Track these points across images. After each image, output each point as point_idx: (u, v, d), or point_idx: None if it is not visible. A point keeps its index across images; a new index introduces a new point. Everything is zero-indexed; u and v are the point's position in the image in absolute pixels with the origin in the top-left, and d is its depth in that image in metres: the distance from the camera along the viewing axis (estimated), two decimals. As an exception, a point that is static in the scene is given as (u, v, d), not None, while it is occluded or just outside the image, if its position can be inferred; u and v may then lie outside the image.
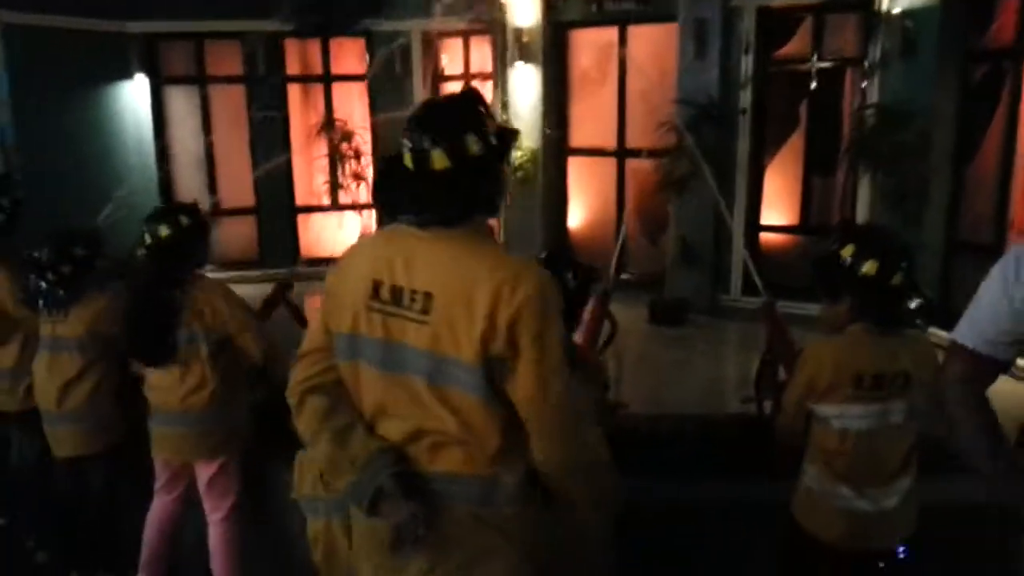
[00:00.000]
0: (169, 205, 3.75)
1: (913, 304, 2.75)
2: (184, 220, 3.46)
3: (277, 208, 9.73)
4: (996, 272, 1.97)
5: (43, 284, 3.74)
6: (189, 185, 9.61)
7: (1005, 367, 1.97)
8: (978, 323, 1.97)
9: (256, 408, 4.18)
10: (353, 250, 2.10)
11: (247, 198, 9.65)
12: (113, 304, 3.77)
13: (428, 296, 1.89)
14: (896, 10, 6.84)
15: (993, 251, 6.51)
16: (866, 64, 7.16)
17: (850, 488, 2.70)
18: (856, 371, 2.68)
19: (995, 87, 6.52)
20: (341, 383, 2.09)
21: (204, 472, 3.61)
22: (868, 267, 2.66)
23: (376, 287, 1.95)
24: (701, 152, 6.40)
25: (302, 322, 4.85)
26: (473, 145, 1.88)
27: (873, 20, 7.03)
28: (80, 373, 3.74)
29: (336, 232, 10.34)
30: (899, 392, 2.69)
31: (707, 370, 6.58)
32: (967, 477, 3.35)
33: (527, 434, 1.94)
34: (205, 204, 9.50)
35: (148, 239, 3.41)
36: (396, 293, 1.93)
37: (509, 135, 2.00)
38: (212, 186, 9.67)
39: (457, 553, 1.98)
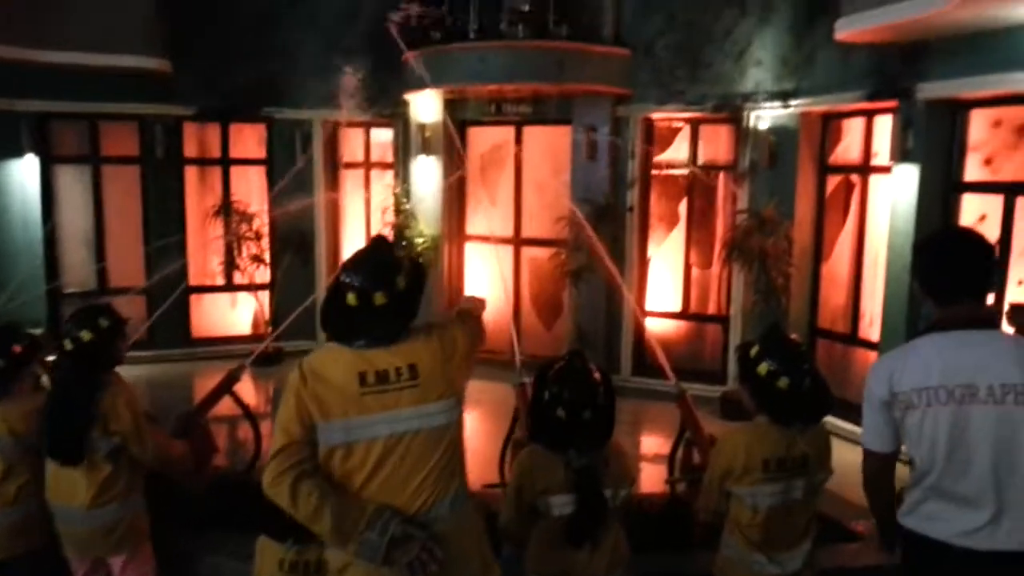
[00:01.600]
0: (88, 307, 3.71)
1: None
2: (104, 323, 3.57)
3: (169, 288, 9.56)
4: (868, 389, 2.73)
5: None
6: (76, 265, 9.37)
7: (899, 451, 2.70)
8: (869, 429, 2.76)
9: (191, 498, 4.26)
10: (322, 361, 2.59)
11: (138, 278, 9.47)
12: (36, 404, 3.77)
13: (412, 367, 2.56)
14: (762, 126, 7.81)
15: (847, 340, 7.42)
16: (736, 171, 8.07)
17: (762, 555, 3.16)
18: (763, 457, 3.16)
19: (846, 197, 7.52)
20: (319, 468, 2.54)
21: (116, 565, 3.70)
22: (761, 368, 3.17)
23: (362, 377, 2.53)
24: (594, 245, 7.01)
25: (246, 411, 4.98)
26: (401, 282, 2.59)
27: (742, 133, 7.98)
28: (5, 474, 3.70)
29: (229, 312, 10.29)
30: (799, 472, 3.19)
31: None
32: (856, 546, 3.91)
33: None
34: (92, 283, 9.40)
35: (69, 344, 3.51)
36: (381, 375, 2.54)
37: (421, 270, 2.74)
38: (102, 267, 9.46)
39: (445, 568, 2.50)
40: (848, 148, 7.50)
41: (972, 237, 2.73)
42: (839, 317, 7.57)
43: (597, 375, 3.19)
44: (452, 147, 9.21)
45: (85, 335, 3.50)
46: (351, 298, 2.54)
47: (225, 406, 5.12)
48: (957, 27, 5.68)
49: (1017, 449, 2.49)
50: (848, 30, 6.16)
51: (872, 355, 6.98)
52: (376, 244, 2.73)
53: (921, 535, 2.63)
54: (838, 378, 7.41)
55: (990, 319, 2.62)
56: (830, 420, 6.53)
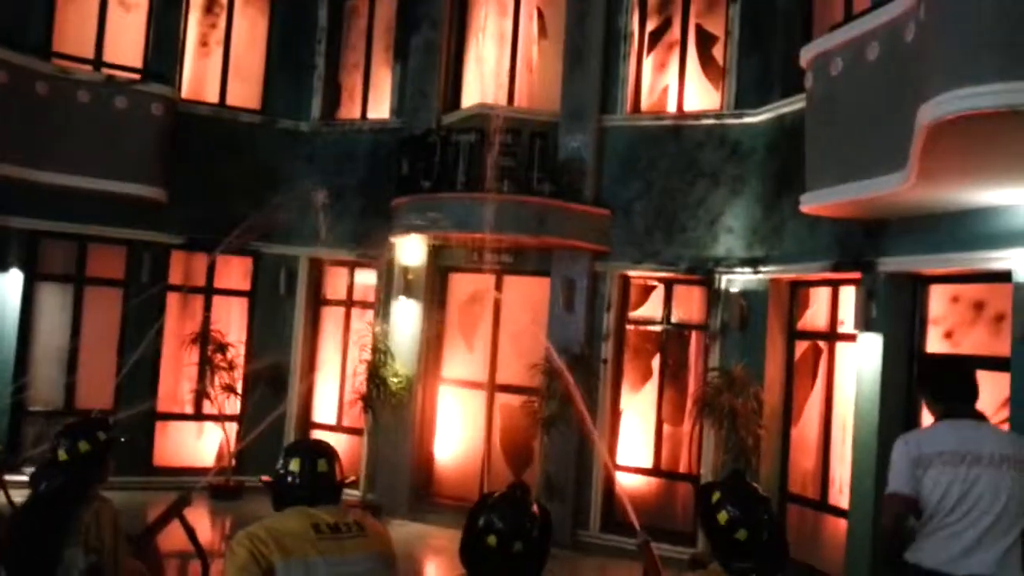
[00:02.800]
0: (85, 421, 3.71)
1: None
2: (102, 436, 3.52)
3: (136, 414, 9.42)
4: (899, 451, 3.64)
5: None
6: (46, 383, 9.26)
7: (918, 499, 3.57)
8: (899, 477, 3.60)
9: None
10: (272, 521, 2.85)
11: (106, 401, 9.35)
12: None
13: (359, 524, 2.92)
14: (733, 289, 8.10)
15: (818, 506, 7.37)
16: (708, 331, 8.29)
17: None
18: None
19: (814, 362, 7.70)
20: None
21: None
22: (721, 516, 3.17)
23: (316, 526, 2.82)
24: (568, 395, 7.07)
25: (195, 541, 4.82)
26: (337, 466, 3.06)
27: (713, 295, 8.27)
28: None
29: (195, 442, 10.10)
30: None
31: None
32: None
33: None
34: (59, 402, 9.25)
35: (64, 454, 3.42)
36: (334, 527, 2.85)
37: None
38: (71, 387, 9.35)
39: None
40: (815, 315, 7.77)
41: (964, 364, 4.01)
42: (809, 482, 7.56)
43: (536, 509, 3.14)
44: (433, 291, 9.44)
45: (83, 446, 3.41)
46: (294, 465, 2.95)
47: (177, 538, 4.96)
48: (914, 207, 6.04)
49: (1007, 501, 3.47)
50: (812, 204, 6.53)
51: (842, 523, 6.91)
52: (316, 441, 3.30)
53: (924, 568, 3.52)
54: (808, 545, 7.33)
55: (980, 414, 3.70)
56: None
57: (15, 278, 9.17)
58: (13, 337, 9.13)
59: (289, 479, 2.98)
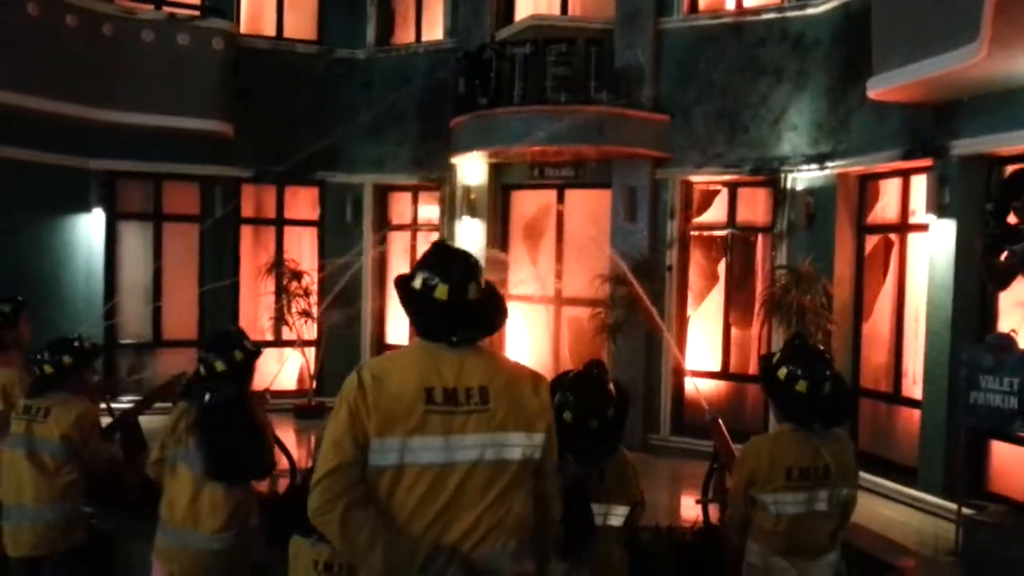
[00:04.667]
0: (226, 334, 3.85)
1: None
2: (249, 345, 3.71)
3: (220, 342, 9.91)
4: None
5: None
6: (133, 316, 9.75)
7: None
8: None
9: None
10: (387, 368, 2.37)
11: (190, 331, 9.84)
12: (89, 414, 4.00)
13: (483, 389, 2.35)
14: (799, 187, 7.94)
15: (891, 399, 7.32)
16: (774, 232, 8.18)
17: (785, 561, 3.16)
18: (786, 465, 3.21)
19: (885, 256, 7.54)
20: (368, 494, 2.31)
21: None
22: (781, 372, 3.25)
23: (429, 393, 2.31)
24: (635, 303, 7.12)
25: (283, 449, 5.00)
26: (483, 283, 2.47)
27: (779, 195, 8.12)
28: (56, 471, 3.91)
29: (275, 367, 10.52)
30: (822, 483, 3.21)
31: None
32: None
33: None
34: (147, 335, 9.73)
35: (221, 365, 3.54)
36: (450, 394, 2.32)
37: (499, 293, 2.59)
38: (157, 318, 9.83)
39: None
40: (886, 208, 7.57)
41: None
42: (882, 376, 7.49)
43: (612, 388, 3.21)
44: (496, 209, 9.51)
45: (238, 355, 3.59)
46: (441, 292, 2.36)
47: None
48: (988, 83, 5.80)
49: None
50: (880, 88, 6.32)
51: (915, 413, 6.86)
52: (448, 248, 2.56)
53: None
54: (882, 438, 7.31)
55: None
56: (872, 478, 6.46)
57: (98, 218, 9.59)
58: (100, 274, 9.61)
59: (432, 309, 2.41)
